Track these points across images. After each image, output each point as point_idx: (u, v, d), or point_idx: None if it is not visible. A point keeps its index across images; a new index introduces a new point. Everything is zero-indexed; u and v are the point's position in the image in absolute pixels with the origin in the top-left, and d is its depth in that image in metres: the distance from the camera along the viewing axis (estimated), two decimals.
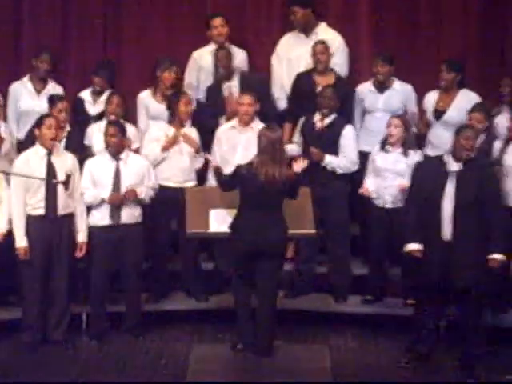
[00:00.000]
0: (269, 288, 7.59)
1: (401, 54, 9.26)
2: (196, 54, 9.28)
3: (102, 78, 8.82)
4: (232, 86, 8.90)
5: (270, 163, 7.42)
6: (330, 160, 8.40)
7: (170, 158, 8.41)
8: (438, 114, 8.69)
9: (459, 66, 8.73)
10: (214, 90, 8.97)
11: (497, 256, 7.33)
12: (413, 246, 7.54)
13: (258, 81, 9.05)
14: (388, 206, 8.30)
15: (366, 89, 8.94)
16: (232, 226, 7.62)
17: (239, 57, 9.19)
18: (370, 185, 8.38)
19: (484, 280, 7.37)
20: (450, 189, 7.40)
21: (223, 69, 8.94)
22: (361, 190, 8.40)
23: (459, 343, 7.54)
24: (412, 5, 9.61)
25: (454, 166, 7.44)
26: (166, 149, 8.33)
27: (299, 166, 7.64)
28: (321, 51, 8.88)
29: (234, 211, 7.67)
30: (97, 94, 8.86)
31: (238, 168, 7.63)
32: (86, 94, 8.91)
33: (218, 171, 7.81)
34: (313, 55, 8.94)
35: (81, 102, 8.88)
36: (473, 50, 9.51)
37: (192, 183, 8.45)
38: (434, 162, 7.74)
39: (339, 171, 8.47)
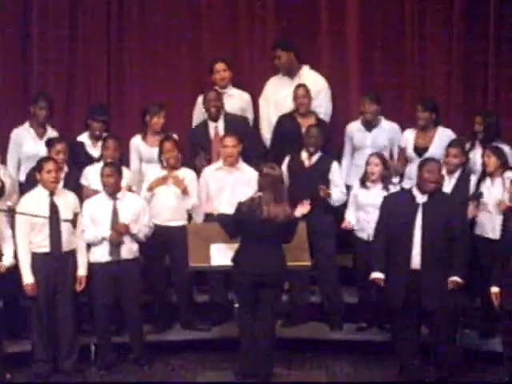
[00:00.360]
0: (269, 317, 7.72)
1: (388, 94, 9.50)
2: (201, 98, 9.40)
3: (101, 123, 8.91)
4: (218, 126, 9.06)
5: (273, 202, 7.59)
6: (332, 195, 8.66)
7: (158, 197, 8.53)
8: (420, 150, 8.84)
9: (433, 105, 8.94)
10: (200, 130, 9.13)
11: (456, 278, 7.51)
12: (376, 275, 7.72)
13: (241, 121, 9.20)
14: (372, 238, 8.32)
15: (354, 127, 9.12)
16: (234, 259, 7.75)
17: (243, 99, 9.42)
18: (351, 218, 8.57)
19: (451, 303, 7.55)
20: (419, 220, 7.58)
21: (213, 109, 9.04)
22: (343, 225, 8.58)
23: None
24: (398, 47, 9.75)
25: (420, 199, 7.62)
26: (151, 189, 8.46)
27: (301, 211, 7.84)
28: (302, 95, 9.07)
29: (234, 245, 7.79)
30: (96, 137, 8.93)
31: (240, 205, 7.74)
32: (84, 138, 9.02)
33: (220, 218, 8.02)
34: (294, 98, 9.13)
35: (81, 145, 8.97)
36: (455, 90, 9.68)
37: (181, 222, 8.53)
38: (403, 195, 7.93)
39: (336, 204, 8.67)
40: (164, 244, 8.55)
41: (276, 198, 7.62)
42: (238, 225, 7.74)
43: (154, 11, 9.92)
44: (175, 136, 8.93)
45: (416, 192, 7.68)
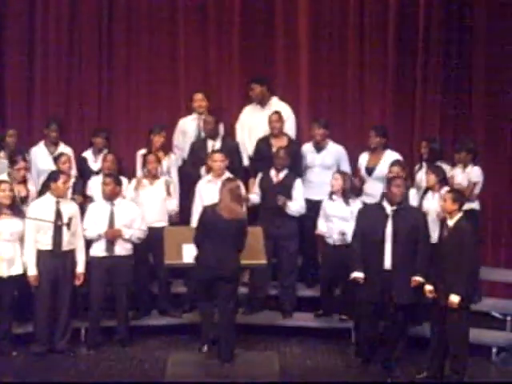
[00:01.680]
0: (228, 307, 8.10)
1: (334, 120, 9.89)
2: (181, 122, 9.86)
3: (102, 139, 9.36)
4: (215, 145, 9.45)
5: (232, 203, 8.04)
6: (289, 205, 9.01)
7: (144, 201, 8.95)
8: (369, 170, 9.28)
9: (384, 131, 9.35)
10: (200, 145, 9.51)
11: (418, 278, 7.96)
12: (357, 274, 8.13)
13: (233, 144, 9.64)
14: (336, 243, 8.86)
15: (306, 149, 9.51)
16: (197, 257, 8.14)
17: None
18: (322, 227, 8.94)
19: (413, 299, 8.03)
20: (389, 228, 8.04)
21: (209, 131, 9.44)
22: (317, 232, 8.93)
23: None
24: (341, 80, 10.27)
25: (389, 210, 8.09)
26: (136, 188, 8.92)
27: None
28: (276, 119, 9.46)
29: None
30: (97, 152, 9.32)
31: (205, 208, 8.19)
32: (88, 154, 9.43)
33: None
34: (269, 123, 9.47)
35: (84, 160, 9.39)
36: (388, 120, 10.12)
37: (163, 224, 8.94)
38: (374, 207, 8.34)
39: (294, 214, 9.05)
40: (148, 243, 8.86)
41: (234, 201, 8.04)
42: (204, 226, 8.08)
43: (138, 46, 10.35)
44: (176, 151, 9.50)
45: (385, 204, 8.13)
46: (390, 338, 8.23)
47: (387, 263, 8.04)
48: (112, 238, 8.59)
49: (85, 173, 9.38)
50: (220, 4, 10.34)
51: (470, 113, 10.08)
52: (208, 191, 8.99)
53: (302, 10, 10.24)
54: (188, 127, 9.82)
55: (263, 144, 9.55)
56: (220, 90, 10.32)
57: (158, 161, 9.16)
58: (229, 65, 10.38)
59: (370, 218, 8.19)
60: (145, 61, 10.36)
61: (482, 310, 9.06)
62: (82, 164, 9.45)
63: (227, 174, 8.99)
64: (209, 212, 8.14)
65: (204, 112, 9.75)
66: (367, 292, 8.13)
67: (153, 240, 8.83)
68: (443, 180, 8.72)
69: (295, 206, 9.09)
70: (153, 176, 9.09)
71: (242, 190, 8.81)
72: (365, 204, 8.85)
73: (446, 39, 10.05)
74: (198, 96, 9.80)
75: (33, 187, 8.92)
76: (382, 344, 8.31)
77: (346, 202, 8.86)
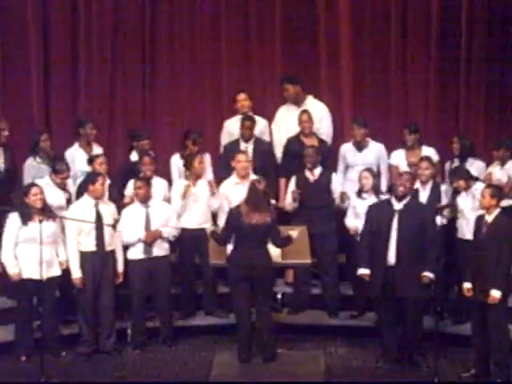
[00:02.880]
0: (264, 305, 8.06)
1: (375, 119, 9.83)
2: (227, 123, 9.80)
3: (145, 141, 9.29)
4: (248, 146, 9.39)
5: (252, 211, 7.92)
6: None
7: (189, 205, 8.90)
8: (413, 166, 9.04)
9: (416, 128, 9.30)
10: (232, 147, 9.39)
11: (427, 273, 7.87)
12: (362, 271, 8.09)
13: (266, 145, 9.58)
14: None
15: (347, 148, 9.44)
16: (228, 257, 8.11)
17: (261, 124, 9.68)
18: (353, 224, 8.83)
19: (417, 293, 7.90)
20: (395, 224, 7.93)
21: (245, 134, 9.39)
22: (352, 232, 8.81)
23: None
24: (384, 80, 10.21)
25: (397, 206, 7.99)
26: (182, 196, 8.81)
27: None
28: (305, 119, 9.36)
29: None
30: (144, 153, 9.13)
31: (231, 210, 8.16)
32: (133, 156, 9.36)
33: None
34: (299, 122, 9.40)
35: (134, 163, 9.23)
36: (431, 118, 10.05)
37: (208, 224, 8.91)
38: (383, 204, 8.24)
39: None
40: (194, 244, 8.88)
41: (256, 208, 7.93)
42: (231, 228, 8.04)
43: (181, 50, 10.33)
44: (207, 155, 9.30)
45: (393, 200, 8.04)
46: (407, 333, 8.11)
47: (392, 259, 7.93)
48: (152, 240, 8.54)
49: (134, 176, 9.15)
50: (261, 6, 10.30)
51: None
52: (234, 192, 8.91)
53: (344, 11, 10.18)
54: (233, 128, 9.71)
55: (295, 142, 9.46)
56: (264, 92, 10.26)
57: (201, 162, 9.07)
58: (271, 67, 10.35)
59: (377, 214, 8.10)
60: (187, 64, 10.38)
61: None
62: (130, 167, 9.33)
63: (252, 176, 8.89)
64: (234, 214, 8.06)
65: (247, 111, 9.66)
66: (374, 289, 8.07)
67: (200, 241, 8.79)
68: (470, 178, 8.57)
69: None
70: (196, 177, 8.99)
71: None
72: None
73: (489, 33, 9.96)
74: (241, 96, 9.73)
75: (72, 189, 8.90)
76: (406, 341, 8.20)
77: (378, 199, 8.72)
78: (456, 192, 8.65)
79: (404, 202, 8.05)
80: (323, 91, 10.07)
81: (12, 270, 8.15)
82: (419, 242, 7.92)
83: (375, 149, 9.46)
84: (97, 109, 10.27)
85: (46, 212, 8.20)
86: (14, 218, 8.16)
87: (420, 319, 8.12)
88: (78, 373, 8.04)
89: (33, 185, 8.33)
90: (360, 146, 9.43)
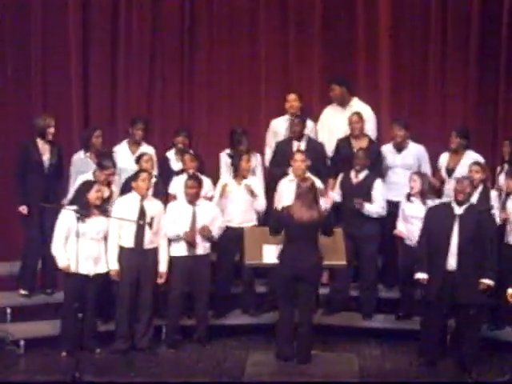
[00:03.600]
0: (307, 307, 8.00)
1: (414, 120, 9.68)
2: (273, 122, 9.72)
3: (184, 138, 9.23)
4: (301, 145, 9.32)
5: (303, 208, 7.87)
6: (367, 207, 8.83)
7: (232, 203, 8.90)
8: (450, 171, 9.09)
9: (466, 133, 9.14)
10: (285, 145, 9.37)
11: (487, 281, 7.79)
12: (420, 275, 8.00)
13: (319, 145, 9.51)
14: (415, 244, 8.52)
15: (386, 149, 9.32)
16: (279, 257, 8.06)
17: (309, 126, 9.56)
18: (401, 228, 8.75)
19: (480, 299, 7.82)
20: (455, 228, 7.84)
21: (296, 133, 9.32)
22: (395, 232, 8.77)
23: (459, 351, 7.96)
24: (423, 81, 10.08)
25: (458, 210, 7.93)
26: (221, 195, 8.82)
27: (327, 202, 8.34)
28: (356, 121, 9.29)
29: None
30: (178, 153, 9.16)
31: (282, 209, 8.08)
32: (170, 154, 9.29)
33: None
34: (349, 124, 9.30)
35: (167, 160, 9.27)
36: (470, 121, 9.87)
37: (251, 223, 8.84)
38: (443, 207, 8.13)
39: (374, 215, 8.87)
40: (234, 243, 8.79)
41: (306, 205, 7.88)
42: (279, 223, 8.02)
43: (219, 48, 10.27)
44: (258, 156, 9.28)
45: (454, 204, 7.94)
46: (463, 338, 7.99)
47: (452, 264, 7.86)
48: (194, 237, 8.49)
49: (167, 172, 9.24)
50: (300, 4, 10.21)
51: None
52: (289, 191, 8.80)
53: (383, 10, 10.05)
54: (280, 127, 9.68)
55: (344, 144, 9.40)
56: (300, 91, 10.00)
57: (248, 161, 9.05)
58: (309, 66, 10.26)
59: (437, 218, 8.01)
60: (226, 62, 10.30)
61: None
62: (164, 164, 9.34)
63: (308, 175, 8.81)
64: (284, 214, 8.02)
65: (296, 112, 9.58)
66: (430, 292, 7.98)
67: (240, 240, 8.65)
68: None
69: (374, 208, 8.91)
70: (242, 177, 8.97)
71: (320, 187, 8.64)
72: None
73: None
74: (292, 96, 9.65)
75: (116, 188, 8.82)
76: (454, 345, 8.11)
77: (424, 203, 8.62)
78: (507, 195, 8.49)
79: (465, 206, 7.95)
80: (361, 92, 9.96)
81: (62, 263, 8.18)
82: (480, 247, 7.82)
83: (415, 150, 9.34)
84: (135, 107, 10.22)
85: (102, 209, 8.25)
86: (68, 213, 8.15)
87: (480, 326, 8.02)
88: (113, 370, 8.02)
89: (93, 182, 8.35)
90: (399, 148, 9.33)
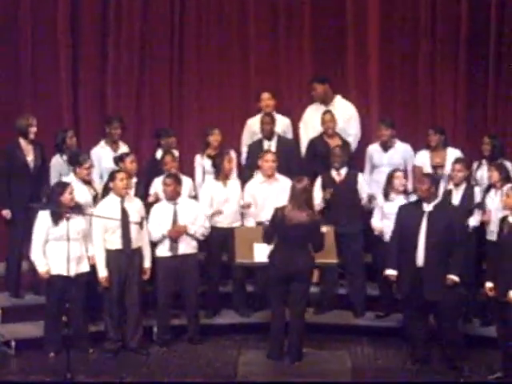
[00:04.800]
0: (299, 306, 7.93)
1: (404, 121, 9.71)
2: (250, 122, 9.68)
3: (170, 140, 9.19)
4: (271, 145, 9.26)
5: (296, 209, 7.79)
6: (377, 198, 8.82)
7: (220, 206, 8.79)
8: (437, 168, 9.00)
9: (442, 129, 9.17)
10: (256, 146, 9.29)
11: (452, 276, 7.72)
12: (390, 272, 7.98)
13: (290, 143, 9.44)
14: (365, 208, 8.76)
15: (373, 148, 9.30)
16: (270, 256, 7.99)
17: (284, 123, 9.58)
18: (379, 225, 8.72)
19: (451, 296, 7.75)
20: (424, 225, 7.79)
21: (266, 131, 9.28)
22: (376, 232, 8.73)
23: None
24: (412, 81, 10.00)
25: (426, 207, 7.86)
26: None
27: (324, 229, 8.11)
28: (329, 119, 9.25)
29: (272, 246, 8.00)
30: (168, 152, 8.99)
31: (275, 211, 7.99)
32: (159, 154, 9.17)
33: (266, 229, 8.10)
34: (322, 123, 9.28)
35: (156, 161, 9.13)
36: (460, 120, 9.86)
37: (238, 223, 8.81)
38: (412, 205, 8.07)
39: (366, 209, 8.89)
40: (223, 243, 8.76)
41: (300, 206, 7.80)
42: (274, 228, 7.93)
43: (208, 49, 10.19)
44: (232, 153, 9.13)
45: (424, 202, 7.89)
46: (444, 337, 7.95)
47: (420, 261, 7.78)
48: (176, 235, 8.42)
49: (156, 174, 9.09)
50: (290, 7, 10.15)
51: None
52: (260, 192, 8.85)
53: (373, 10, 10.00)
54: (256, 127, 9.58)
55: (319, 142, 9.35)
56: (291, 92, 10.11)
57: (232, 160, 9.00)
58: (299, 67, 10.19)
59: (407, 215, 7.96)
60: (215, 63, 10.23)
61: None
62: (153, 165, 9.24)
63: (277, 175, 8.84)
64: (279, 214, 7.93)
65: (271, 111, 9.50)
66: (402, 289, 7.99)
67: (229, 240, 8.65)
68: (507, 177, 8.37)
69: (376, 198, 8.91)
70: (225, 176, 8.90)
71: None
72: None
73: None
74: (265, 95, 9.59)
75: (99, 187, 8.76)
76: (440, 344, 8.06)
77: (407, 200, 8.58)
78: (486, 191, 8.49)
79: (434, 203, 7.90)
80: (350, 91, 9.92)
81: (41, 269, 8.09)
82: (448, 244, 7.76)
83: (401, 149, 9.33)
84: (124, 107, 10.13)
85: (76, 210, 8.12)
86: (44, 217, 8.05)
87: (454, 323, 7.95)
88: (104, 370, 7.95)
89: (66, 183, 8.23)
90: (386, 146, 9.29)
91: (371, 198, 8.86)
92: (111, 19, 10.11)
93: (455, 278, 7.77)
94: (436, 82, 10.00)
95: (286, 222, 7.82)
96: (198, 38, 10.23)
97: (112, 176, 8.32)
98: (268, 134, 9.31)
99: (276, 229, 7.95)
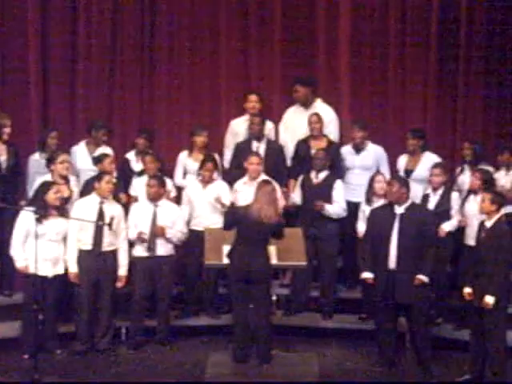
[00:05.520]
0: (262, 308, 7.84)
1: (375, 122, 9.66)
2: (233, 123, 9.58)
3: (145, 140, 9.14)
4: (260, 146, 9.24)
5: (266, 206, 7.77)
6: (327, 208, 8.74)
7: (198, 208, 8.81)
8: (408, 172, 9.01)
9: (421, 133, 9.10)
10: (244, 146, 9.26)
11: (421, 277, 7.69)
12: (366, 275, 7.94)
13: (278, 146, 9.40)
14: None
15: (346, 150, 9.23)
16: (228, 256, 7.88)
17: (268, 127, 9.48)
18: (361, 229, 8.55)
19: (420, 298, 7.73)
20: (396, 227, 7.78)
21: (255, 132, 9.23)
22: (360, 235, 8.55)
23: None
24: (383, 82, 10.01)
25: (398, 210, 7.84)
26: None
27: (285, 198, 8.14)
28: (315, 121, 9.20)
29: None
30: (139, 153, 9.08)
31: (238, 208, 8.02)
32: (131, 155, 9.21)
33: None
34: (308, 124, 9.22)
35: (127, 161, 9.19)
36: (430, 122, 9.85)
37: (217, 226, 8.48)
38: (384, 208, 8.04)
39: (334, 216, 8.79)
40: (201, 245, 8.49)
41: (269, 204, 7.79)
42: (234, 219, 7.87)
43: (179, 50, 10.15)
44: (216, 155, 9.11)
45: (395, 205, 7.88)
46: (415, 339, 7.94)
47: (392, 263, 7.77)
48: (156, 233, 8.40)
49: (127, 174, 9.14)
50: (261, 6, 10.13)
51: None
52: (243, 193, 8.79)
53: (344, 11, 10.01)
54: (240, 128, 9.54)
55: (302, 145, 9.31)
56: (261, 91, 9.94)
57: (216, 166, 8.98)
58: (270, 67, 10.18)
59: (379, 218, 7.95)
60: (186, 63, 10.19)
61: None
62: (124, 165, 9.23)
63: (263, 177, 8.77)
64: (241, 213, 7.89)
65: (257, 114, 9.44)
66: (376, 292, 7.93)
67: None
68: (489, 182, 8.31)
69: (334, 209, 8.85)
70: (207, 181, 8.89)
71: (278, 193, 8.54)
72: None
73: (489, 36, 9.76)
74: (253, 97, 9.52)
75: (75, 188, 8.70)
76: (412, 346, 8.08)
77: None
78: (466, 196, 8.50)
79: (405, 205, 7.88)
80: (322, 93, 9.84)
81: (20, 264, 8.07)
82: (419, 246, 7.75)
83: (373, 151, 9.27)
84: (94, 108, 10.07)
85: (61, 210, 8.11)
86: (27, 214, 7.98)
87: (426, 323, 7.93)
88: (73, 371, 7.91)
89: (51, 182, 8.21)
90: (358, 149, 9.25)
91: (319, 205, 8.76)
92: (81, 20, 10.05)
93: (424, 278, 7.75)
94: (406, 83, 10.01)
95: (250, 221, 7.76)
96: (170, 40, 10.19)
97: (99, 177, 8.31)
98: (257, 134, 9.27)
99: (236, 223, 7.89)
